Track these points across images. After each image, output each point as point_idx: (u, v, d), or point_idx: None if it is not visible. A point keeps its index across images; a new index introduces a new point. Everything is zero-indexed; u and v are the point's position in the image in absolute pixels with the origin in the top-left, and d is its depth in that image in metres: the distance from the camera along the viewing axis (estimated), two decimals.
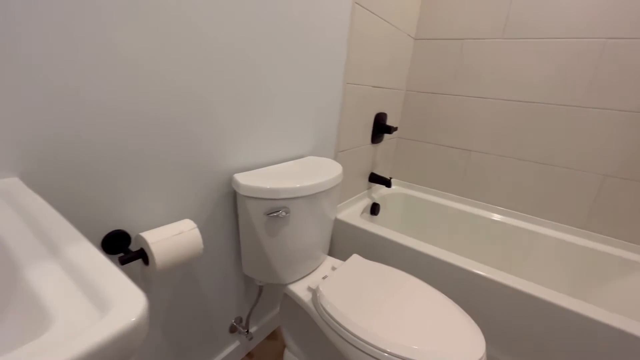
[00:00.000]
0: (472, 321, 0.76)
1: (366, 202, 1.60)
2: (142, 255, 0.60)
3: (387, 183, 1.60)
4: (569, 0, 1.25)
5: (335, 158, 1.29)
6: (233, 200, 0.87)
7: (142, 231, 0.66)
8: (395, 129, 1.54)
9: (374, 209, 1.65)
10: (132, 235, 0.65)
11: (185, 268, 0.81)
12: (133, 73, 0.58)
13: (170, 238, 0.60)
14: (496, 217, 1.56)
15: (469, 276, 1.07)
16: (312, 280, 0.93)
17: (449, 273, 1.11)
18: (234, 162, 0.84)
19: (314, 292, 0.83)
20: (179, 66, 0.65)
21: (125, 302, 0.26)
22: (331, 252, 1.46)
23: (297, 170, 0.91)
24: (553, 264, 1.42)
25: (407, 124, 1.77)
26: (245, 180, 0.77)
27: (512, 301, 1.01)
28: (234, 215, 0.89)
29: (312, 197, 0.84)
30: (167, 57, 0.62)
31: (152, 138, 0.64)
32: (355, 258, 0.99)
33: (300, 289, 0.89)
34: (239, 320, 1.04)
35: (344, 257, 1.41)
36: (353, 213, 1.44)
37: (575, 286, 1.38)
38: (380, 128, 1.55)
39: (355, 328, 0.71)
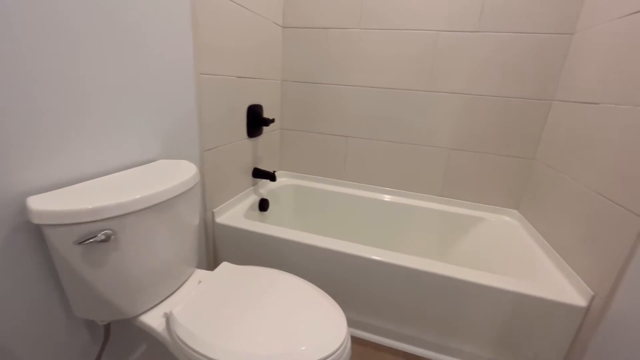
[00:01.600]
0: (337, 306, 0.77)
1: (253, 200, 1.52)
2: None
3: (271, 177, 1.55)
4: None
5: (201, 158, 1.16)
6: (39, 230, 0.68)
7: None
8: (272, 120, 1.49)
9: (263, 205, 1.59)
10: None
11: None
12: None
13: None
14: (382, 197, 1.67)
15: (351, 259, 1.11)
16: (172, 302, 0.81)
17: (332, 259, 1.13)
18: (34, 182, 0.65)
19: (167, 318, 0.72)
20: None
21: None
22: (218, 261, 1.35)
23: (132, 180, 0.76)
24: (426, 230, 1.61)
25: (288, 115, 1.75)
26: (41, 204, 0.60)
27: (390, 275, 1.08)
28: (46, 249, 0.70)
29: (152, 210, 0.71)
30: None
31: None
32: (224, 266, 0.91)
33: (154, 318, 0.76)
34: None
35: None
36: (235, 214, 1.35)
37: (442, 245, 1.59)
38: (256, 121, 1.48)
39: (211, 351, 0.64)
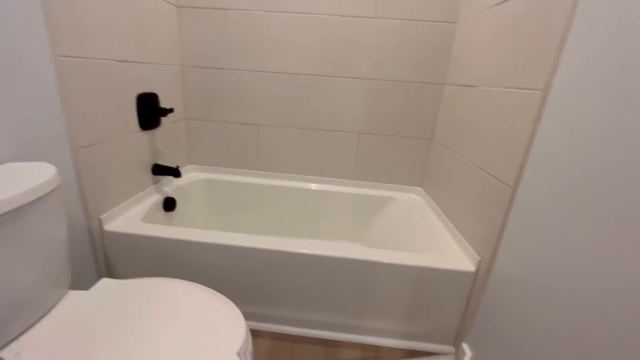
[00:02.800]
0: (234, 309, 0.72)
1: (155, 200, 1.35)
2: None
3: (174, 173, 1.39)
4: None
5: (75, 157, 0.97)
6: None
7: None
8: (171, 110, 1.33)
9: (168, 204, 1.43)
10: None
11: None
12: None
13: None
14: (299, 184, 1.65)
15: (259, 253, 1.06)
16: (27, 339, 0.66)
17: (240, 256, 1.07)
18: None
19: None
20: None
21: None
22: (113, 277, 1.16)
23: None
24: (342, 213, 1.64)
25: (192, 103, 1.59)
26: None
27: (300, 264, 1.06)
28: None
29: None
30: None
31: None
32: (103, 283, 0.78)
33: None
34: None
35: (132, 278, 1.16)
36: (131, 218, 1.18)
37: (358, 227, 1.65)
38: (151, 111, 1.30)
39: None
